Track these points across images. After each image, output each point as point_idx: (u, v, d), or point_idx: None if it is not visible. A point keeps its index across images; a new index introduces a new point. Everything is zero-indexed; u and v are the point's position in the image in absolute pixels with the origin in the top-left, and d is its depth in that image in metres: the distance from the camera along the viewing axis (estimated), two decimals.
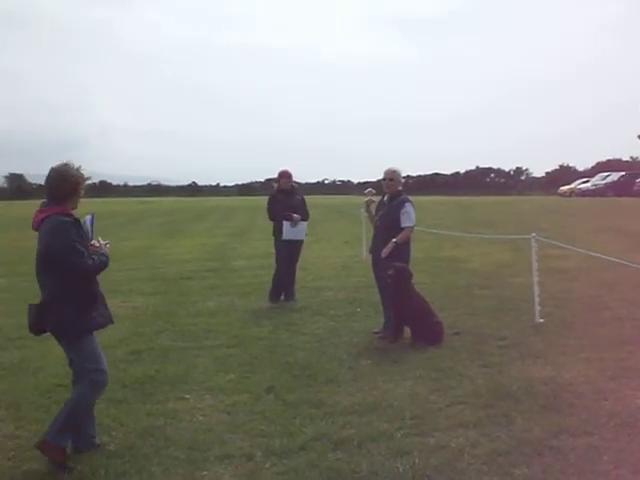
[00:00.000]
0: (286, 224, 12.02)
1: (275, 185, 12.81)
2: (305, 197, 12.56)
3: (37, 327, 5.56)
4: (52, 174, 5.45)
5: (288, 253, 12.26)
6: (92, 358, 5.60)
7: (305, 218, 12.27)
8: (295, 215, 11.99)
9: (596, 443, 5.65)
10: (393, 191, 9.61)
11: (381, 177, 9.72)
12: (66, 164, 5.50)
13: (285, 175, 12.28)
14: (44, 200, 5.50)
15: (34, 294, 13.60)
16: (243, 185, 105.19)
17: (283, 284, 12.38)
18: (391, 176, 9.62)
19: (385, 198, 9.76)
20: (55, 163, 5.53)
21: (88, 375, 5.59)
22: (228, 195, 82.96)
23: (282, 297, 12.36)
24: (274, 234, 12.34)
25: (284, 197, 12.20)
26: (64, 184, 5.42)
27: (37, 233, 5.52)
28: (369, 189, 10.45)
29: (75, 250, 5.31)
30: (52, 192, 5.43)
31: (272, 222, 12.39)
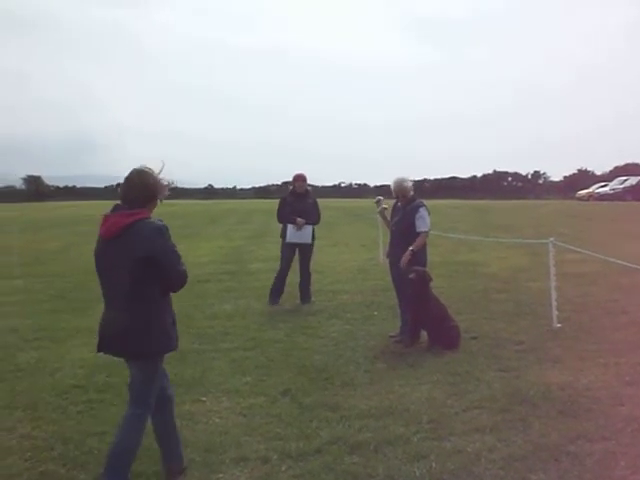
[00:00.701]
0: (290, 227, 12.19)
1: (290, 188, 12.87)
2: (319, 200, 12.62)
3: (121, 344, 5.07)
4: (134, 176, 5.06)
5: (292, 255, 12.44)
6: (157, 383, 5.27)
7: (314, 222, 12.38)
8: (299, 219, 12.12)
9: (613, 448, 5.62)
10: (406, 199, 9.60)
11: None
12: (148, 168, 5.11)
13: (300, 178, 12.40)
14: (117, 203, 5.04)
15: (50, 295, 13.81)
16: (260, 188, 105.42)
17: (282, 286, 12.53)
18: (399, 192, 9.63)
19: (399, 203, 9.75)
20: (137, 165, 5.14)
21: (147, 400, 5.20)
22: (244, 198, 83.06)
23: (298, 300, 12.47)
24: (281, 236, 12.51)
25: (295, 200, 12.35)
26: (146, 189, 5.03)
27: (105, 239, 5.01)
28: (378, 198, 10.45)
29: (178, 255, 5.02)
30: (132, 196, 4.99)
31: (281, 224, 12.56)
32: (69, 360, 8.75)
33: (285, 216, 12.30)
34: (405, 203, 9.59)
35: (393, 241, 9.73)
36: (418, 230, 9.33)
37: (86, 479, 5.39)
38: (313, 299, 12.50)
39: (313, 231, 12.38)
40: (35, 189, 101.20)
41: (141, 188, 5.01)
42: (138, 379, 5.19)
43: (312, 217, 12.32)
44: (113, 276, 5.00)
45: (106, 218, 5.02)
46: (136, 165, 5.12)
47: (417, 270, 9.09)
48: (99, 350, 5.22)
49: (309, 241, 12.34)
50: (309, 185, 12.72)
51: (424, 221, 9.37)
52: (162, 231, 4.94)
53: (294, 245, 12.32)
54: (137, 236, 4.87)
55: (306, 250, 12.43)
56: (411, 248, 9.25)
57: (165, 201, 5.20)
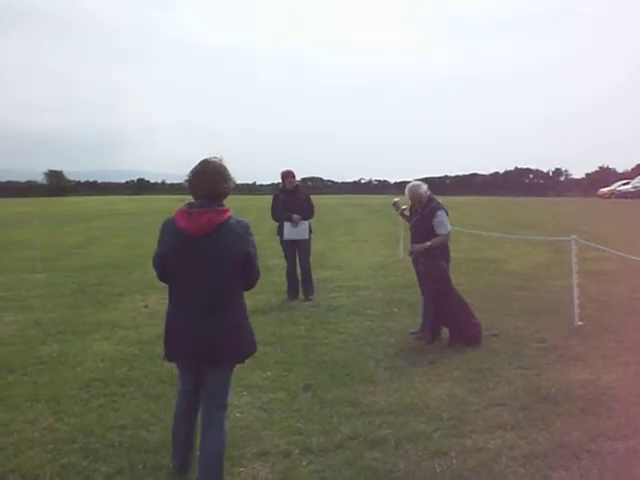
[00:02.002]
0: (287, 224, 12.29)
1: (280, 186, 12.89)
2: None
3: (218, 351, 4.85)
4: (219, 169, 4.84)
5: (293, 252, 12.54)
6: (230, 387, 5.20)
7: (308, 217, 12.45)
8: (295, 215, 12.21)
9: (635, 447, 5.60)
10: (422, 203, 9.53)
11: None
12: (222, 159, 4.89)
13: (289, 175, 12.50)
14: (200, 199, 4.79)
15: (72, 290, 13.91)
16: (279, 184, 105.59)
17: (295, 281, 12.64)
18: (414, 199, 9.59)
19: (416, 206, 9.70)
20: (210, 156, 4.90)
21: (224, 408, 5.11)
22: (264, 193, 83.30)
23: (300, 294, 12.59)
24: (278, 234, 12.60)
25: (286, 197, 12.43)
26: (229, 182, 4.86)
27: (193, 237, 4.73)
28: (394, 200, 10.40)
29: (257, 257, 4.96)
30: (219, 190, 4.81)
31: (276, 222, 12.65)
32: (91, 353, 8.80)
33: (279, 214, 12.40)
34: (422, 206, 9.54)
35: (414, 241, 9.69)
36: (440, 232, 9.27)
37: (107, 471, 5.42)
38: (315, 293, 12.56)
39: (309, 226, 12.47)
40: (56, 184, 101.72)
41: (226, 182, 4.85)
42: (220, 383, 5.06)
43: (305, 212, 12.39)
44: (204, 276, 4.80)
45: (199, 214, 4.73)
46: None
47: (441, 265, 9.10)
48: (174, 358, 5.08)
49: (306, 237, 12.43)
50: (298, 181, 12.83)
51: (443, 225, 9.30)
52: (250, 228, 4.90)
53: (292, 241, 12.41)
54: (232, 234, 4.77)
55: (304, 245, 12.50)
56: (428, 243, 9.23)
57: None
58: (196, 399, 5.22)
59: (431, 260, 9.23)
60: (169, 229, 4.88)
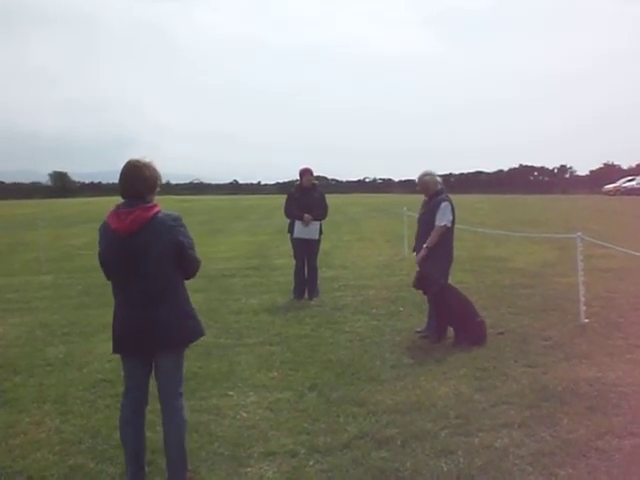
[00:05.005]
0: (297, 223, 12.21)
1: (297, 183, 12.82)
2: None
3: (161, 338, 4.96)
4: (137, 169, 4.97)
5: (302, 251, 12.43)
6: (182, 375, 5.24)
7: (321, 217, 12.37)
8: (306, 215, 12.11)
9: None
10: (431, 193, 9.52)
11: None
12: (141, 159, 5.01)
13: (307, 172, 12.39)
14: (125, 200, 4.94)
15: (77, 291, 13.92)
16: (284, 183, 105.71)
17: (302, 280, 12.53)
18: (421, 185, 9.61)
19: (426, 198, 9.70)
20: (132, 158, 5.05)
21: (180, 396, 5.13)
22: (269, 193, 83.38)
23: (318, 296, 12.48)
24: (289, 231, 12.54)
25: (301, 195, 12.34)
26: (149, 180, 4.96)
27: (126, 233, 4.86)
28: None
29: (194, 242, 5.10)
30: (138, 188, 4.92)
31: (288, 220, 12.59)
32: (97, 354, 8.79)
33: (292, 212, 12.31)
34: (430, 197, 9.54)
35: (418, 236, 9.68)
36: (436, 224, 9.26)
37: (114, 472, 5.42)
38: (320, 294, 12.54)
39: (320, 226, 12.41)
40: (61, 185, 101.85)
41: (144, 181, 4.97)
42: (171, 369, 5.11)
43: (319, 212, 12.30)
44: (140, 270, 4.91)
45: (125, 213, 4.88)
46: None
47: (426, 273, 9.17)
48: (124, 351, 5.11)
49: (316, 237, 12.36)
50: (316, 178, 12.73)
51: (443, 215, 9.26)
52: (181, 219, 5.03)
53: (303, 240, 12.33)
54: (162, 226, 4.89)
55: (313, 245, 12.43)
56: (425, 245, 9.24)
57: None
58: (142, 403, 5.23)
59: (430, 261, 9.26)
60: (104, 231, 5.06)
